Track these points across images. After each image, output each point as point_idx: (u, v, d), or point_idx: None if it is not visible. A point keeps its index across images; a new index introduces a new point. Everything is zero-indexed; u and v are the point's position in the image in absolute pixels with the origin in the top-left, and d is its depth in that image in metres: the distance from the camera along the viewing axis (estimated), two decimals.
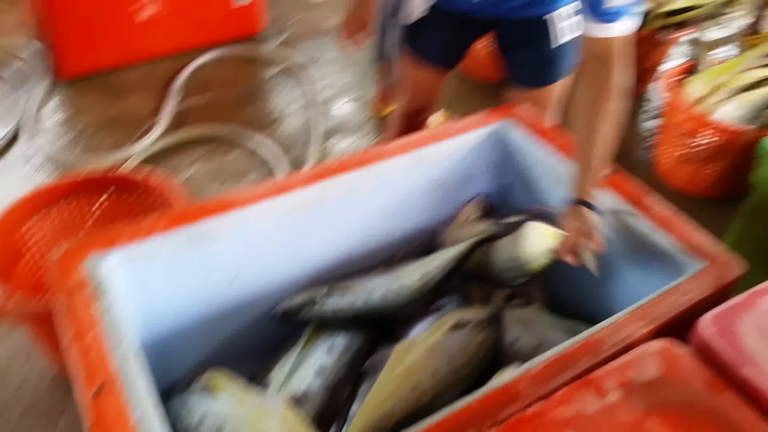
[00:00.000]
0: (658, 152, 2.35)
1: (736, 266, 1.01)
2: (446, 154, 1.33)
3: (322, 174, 1.19)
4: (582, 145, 1.15)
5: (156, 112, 2.50)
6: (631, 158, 2.47)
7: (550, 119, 1.55)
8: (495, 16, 1.46)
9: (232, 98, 2.67)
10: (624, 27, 1.10)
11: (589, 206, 1.10)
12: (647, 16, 2.52)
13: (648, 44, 2.55)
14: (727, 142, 2.04)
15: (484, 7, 1.42)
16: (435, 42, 1.56)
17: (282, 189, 1.15)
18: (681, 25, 2.51)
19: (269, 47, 3.01)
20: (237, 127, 2.43)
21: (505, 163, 1.40)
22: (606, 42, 1.10)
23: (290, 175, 1.20)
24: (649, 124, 2.63)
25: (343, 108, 2.67)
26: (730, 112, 2.08)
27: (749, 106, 2.09)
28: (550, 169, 1.28)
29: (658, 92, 2.19)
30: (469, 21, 1.49)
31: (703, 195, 2.22)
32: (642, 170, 2.39)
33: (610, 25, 1.09)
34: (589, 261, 1.09)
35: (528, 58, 1.52)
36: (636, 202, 1.15)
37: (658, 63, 2.69)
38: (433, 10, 1.48)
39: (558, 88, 1.55)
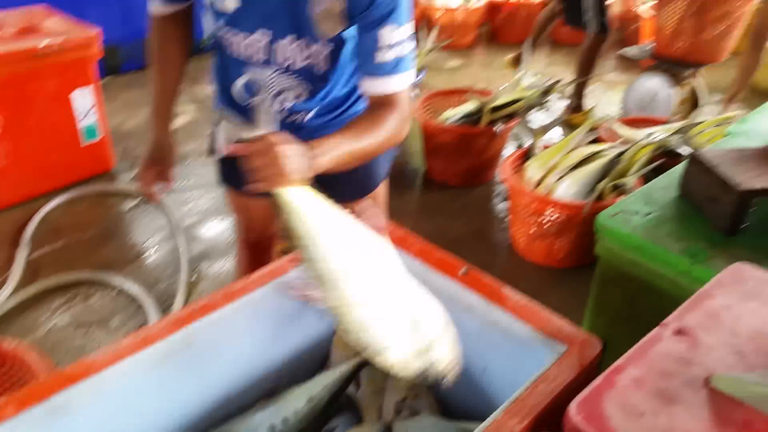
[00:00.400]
0: (513, 232, 2.53)
1: (593, 344, 1.08)
2: None
3: (186, 318, 1.15)
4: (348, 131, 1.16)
5: (6, 266, 2.33)
6: (492, 240, 2.63)
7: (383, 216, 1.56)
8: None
9: (89, 239, 2.55)
10: (400, 80, 1.17)
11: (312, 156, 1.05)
12: (480, 113, 2.77)
13: (486, 136, 2.80)
14: (569, 216, 2.24)
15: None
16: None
17: (145, 342, 1.09)
18: (510, 117, 2.78)
19: (124, 180, 2.94)
20: (96, 269, 2.32)
21: None
22: (386, 95, 1.18)
23: (152, 326, 1.14)
24: (501, 207, 2.83)
25: (211, 231, 2.63)
26: (567, 189, 2.30)
27: (583, 181, 2.33)
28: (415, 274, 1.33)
29: (502, 178, 2.40)
30: None
31: (562, 266, 2.40)
32: (503, 250, 2.55)
33: (386, 78, 1.17)
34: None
35: (340, 179, 1.38)
36: (494, 296, 1.21)
37: (498, 152, 2.95)
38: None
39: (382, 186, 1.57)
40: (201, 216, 2.72)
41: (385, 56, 1.15)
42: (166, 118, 1.44)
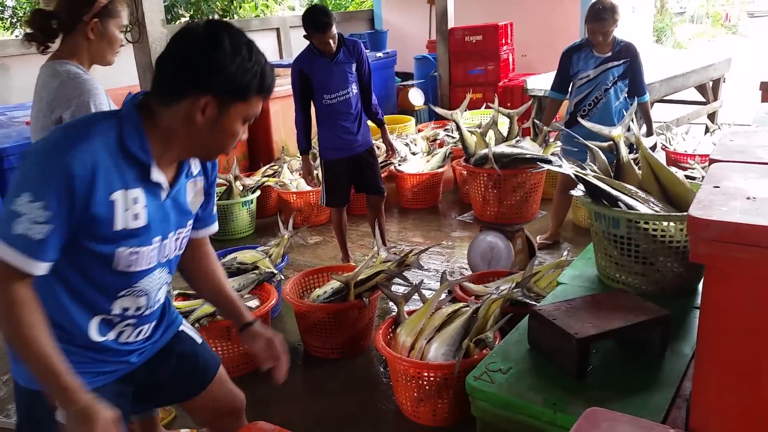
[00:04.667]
0: (398, 397, 2.64)
1: None
2: None
3: None
4: (224, 289, 1.66)
5: None
6: (380, 409, 2.70)
7: None
8: (147, 360, 1.57)
9: None
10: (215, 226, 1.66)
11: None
12: (347, 289, 2.97)
13: (356, 309, 2.98)
14: (445, 376, 2.41)
15: (141, 359, 1.54)
16: None
17: None
18: (374, 288, 3.00)
19: None
20: None
21: None
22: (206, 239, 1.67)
23: None
24: (383, 373, 2.95)
25: None
26: (437, 350, 2.49)
27: (449, 341, 2.53)
28: None
29: (377, 347, 2.54)
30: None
31: (450, 423, 2.51)
32: (392, 418, 2.63)
33: (210, 227, 1.64)
34: None
35: (178, 370, 1.65)
36: None
37: (371, 321, 3.13)
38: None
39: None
40: None
41: (215, 209, 1.65)
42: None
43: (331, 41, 3.43)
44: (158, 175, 1.33)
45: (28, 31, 2.00)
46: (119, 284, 1.37)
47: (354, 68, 3.61)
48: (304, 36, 3.51)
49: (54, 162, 1.18)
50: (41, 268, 1.21)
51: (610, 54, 3.75)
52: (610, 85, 3.76)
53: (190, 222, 1.50)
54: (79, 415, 1.21)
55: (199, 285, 1.67)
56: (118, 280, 1.36)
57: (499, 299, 2.66)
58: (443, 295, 2.80)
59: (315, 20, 3.40)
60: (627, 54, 3.75)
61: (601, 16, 3.62)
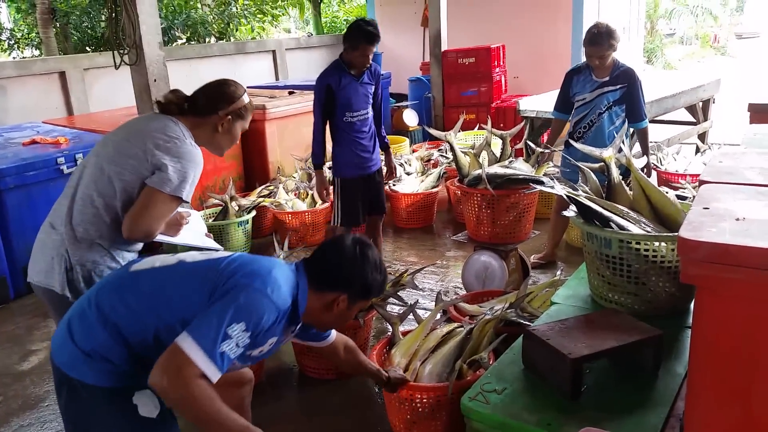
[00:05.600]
0: (392, 418, 2.63)
1: None
2: None
3: None
4: (361, 361, 2.24)
5: None
6: (372, 429, 2.69)
7: None
8: None
9: None
10: None
11: None
12: None
13: (351, 329, 2.98)
14: (438, 398, 2.40)
15: None
16: None
17: None
18: (369, 308, 3.01)
19: None
20: None
21: None
22: None
23: None
24: (378, 393, 2.94)
25: None
26: (430, 372, 2.49)
27: (442, 362, 2.53)
28: None
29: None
30: None
31: None
32: None
33: (329, 338, 2.07)
34: None
35: None
36: None
37: (366, 341, 3.13)
38: None
39: None
40: None
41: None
42: None
43: (370, 55, 3.51)
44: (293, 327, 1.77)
45: (163, 102, 2.11)
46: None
47: (372, 90, 3.68)
48: (346, 49, 3.53)
49: (265, 306, 1.55)
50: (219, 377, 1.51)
51: (607, 78, 3.76)
52: (604, 109, 3.78)
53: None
54: None
55: (346, 365, 2.24)
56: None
57: (493, 320, 2.66)
58: (438, 316, 2.81)
59: (368, 32, 3.44)
60: (625, 79, 3.74)
61: (596, 41, 3.65)
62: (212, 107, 2.11)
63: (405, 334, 2.75)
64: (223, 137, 2.15)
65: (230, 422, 1.51)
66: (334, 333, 2.10)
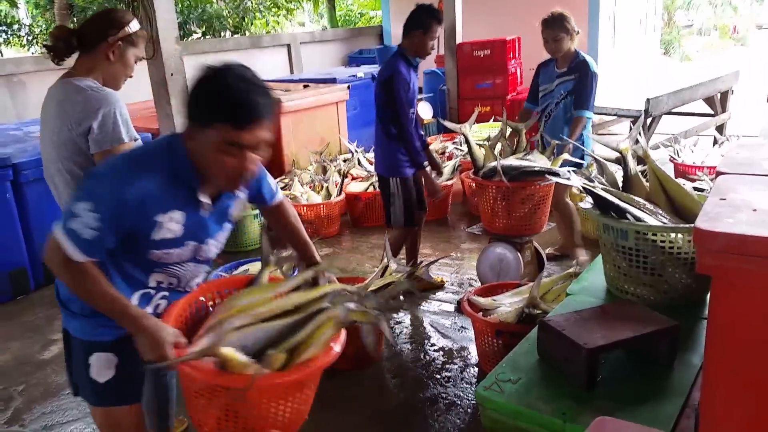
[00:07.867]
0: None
1: None
2: None
3: None
4: (300, 235, 2.05)
5: None
6: (389, 423, 2.72)
7: None
8: None
9: None
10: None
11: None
12: None
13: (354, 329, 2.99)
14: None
15: None
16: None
17: None
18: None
19: None
20: None
21: None
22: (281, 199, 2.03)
23: None
24: (396, 384, 2.96)
25: None
26: (240, 339, 2.33)
27: (263, 335, 2.12)
28: None
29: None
30: None
31: None
32: (400, 427, 2.64)
33: (276, 198, 1.98)
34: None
35: None
36: None
37: (381, 333, 3.14)
38: None
39: None
40: None
41: (273, 186, 1.94)
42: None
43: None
44: (203, 197, 1.62)
45: (50, 43, 2.09)
46: (154, 265, 1.65)
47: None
48: (415, 36, 3.39)
49: (113, 188, 1.48)
50: (87, 261, 1.49)
51: (565, 69, 3.92)
52: (560, 99, 3.94)
53: (229, 226, 1.79)
54: (149, 332, 1.49)
55: (283, 235, 2.10)
56: (154, 263, 1.64)
57: (328, 322, 1.69)
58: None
59: (434, 13, 3.37)
60: (578, 69, 3.87)
61: (547, 24, 3.86)
62: (101, 35, 2.09)
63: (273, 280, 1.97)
64: (115, 66, 2.13)
65: (106, 297, 1.53)
66: (281, 195, 1.99)
